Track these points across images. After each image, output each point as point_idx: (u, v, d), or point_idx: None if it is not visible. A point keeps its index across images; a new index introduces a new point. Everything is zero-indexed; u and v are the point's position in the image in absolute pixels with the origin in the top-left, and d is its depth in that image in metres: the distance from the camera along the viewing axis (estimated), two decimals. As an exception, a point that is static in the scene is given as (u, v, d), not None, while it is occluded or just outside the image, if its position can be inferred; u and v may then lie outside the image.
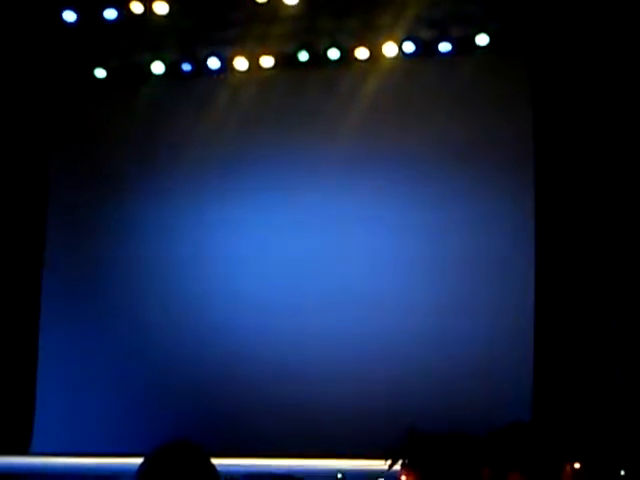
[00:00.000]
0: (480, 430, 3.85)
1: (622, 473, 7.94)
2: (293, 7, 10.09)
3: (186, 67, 10.82)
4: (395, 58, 10.29)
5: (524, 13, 9.79)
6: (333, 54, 10.40)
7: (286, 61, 10.59)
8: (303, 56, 10.47)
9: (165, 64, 10.81)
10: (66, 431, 10.56)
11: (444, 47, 10.18)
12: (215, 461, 3.10)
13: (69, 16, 10.46)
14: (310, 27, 10.31)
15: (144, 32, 10.57)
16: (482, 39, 10.03)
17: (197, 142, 10.76)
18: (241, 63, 10.64)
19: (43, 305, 11.01)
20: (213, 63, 10.67)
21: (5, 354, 10.80)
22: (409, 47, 10.20)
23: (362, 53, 10.36)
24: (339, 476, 6.83)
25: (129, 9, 10.30)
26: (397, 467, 4.47)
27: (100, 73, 10.98)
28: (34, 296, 11.01)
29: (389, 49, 10.26)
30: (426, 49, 10.23)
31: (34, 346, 10.91)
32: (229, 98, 10.76)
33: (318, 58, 10.47)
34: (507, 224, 9.83)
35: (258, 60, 10.60)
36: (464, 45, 10.14)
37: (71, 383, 10.73)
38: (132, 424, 10.35)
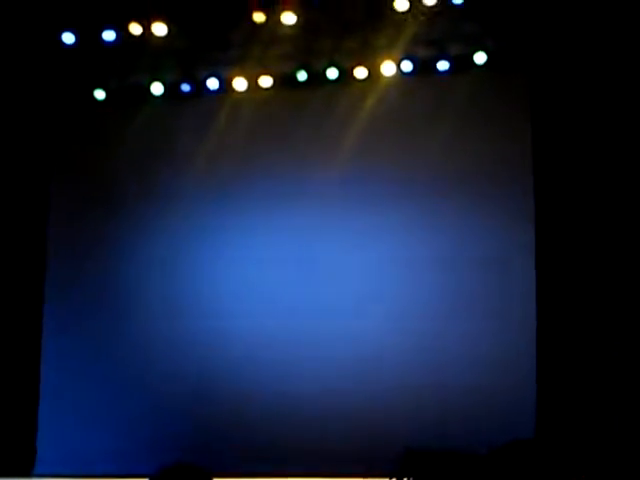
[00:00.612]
0: (481, 446, 3.83)
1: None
2: (291, 27, 10.14)
3: (185, 88, 10.85)
4: (394, 77, 10.34)
5: (522, 31, 9.83)
6: (332, 74, 10.45)
7: (285, 81, 10.63)
8: (302, 76, 10.52)
9: (164, 85, 10.85)
10: (69, 453, 10.54)
11: (442, 65, 10.23)
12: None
13: (68, 38, 10.51)
14: (309, 47, 10.36)
15: (143, 53, 10.61)
16: (480, 57, 10.08)
17: (197, 162, 10.78)
18: (240, 83, 10.68)
19: (45, 326, 11.02)
20: (212, 83, 10.71)
21: (7, 376, 10.79)
22: (407, 66, 10.26)
23: (361, 72, 10.40)
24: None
25: (128, 30, 10.34)
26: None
27: (100, 94, 11.01)
28: (36, 318, 11.00)
29: (387, 68, 10.30)
30: (424, 68, 10.28)
31: (36, 368, 10.90)
32: (228, 118, 10.79)
33: (317, 78, 10.51)
34: (507, 241, 9.83)
35: (257, 80, 10.64)
36: (462, 63, 10.18)
37: (73, 405, 10.71)
38: (136, 445, 10.34)
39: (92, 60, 10.77)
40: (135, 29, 10.35)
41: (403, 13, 9.93)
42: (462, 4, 9.84)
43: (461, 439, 8.70)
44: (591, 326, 9.34)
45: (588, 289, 9.38)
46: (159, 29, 10.32)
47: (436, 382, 9.67)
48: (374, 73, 10.36)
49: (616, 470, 8.48)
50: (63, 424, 10.68)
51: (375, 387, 9.78)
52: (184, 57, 10.67)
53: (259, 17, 10.11)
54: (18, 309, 10.98)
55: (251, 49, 10.43)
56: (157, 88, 10.82)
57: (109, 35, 10.45)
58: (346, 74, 10.42)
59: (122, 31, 10.38)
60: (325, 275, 10.26)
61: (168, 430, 10.28)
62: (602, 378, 9.25)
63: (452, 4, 9.84)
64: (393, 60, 10.24)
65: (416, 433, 9.07)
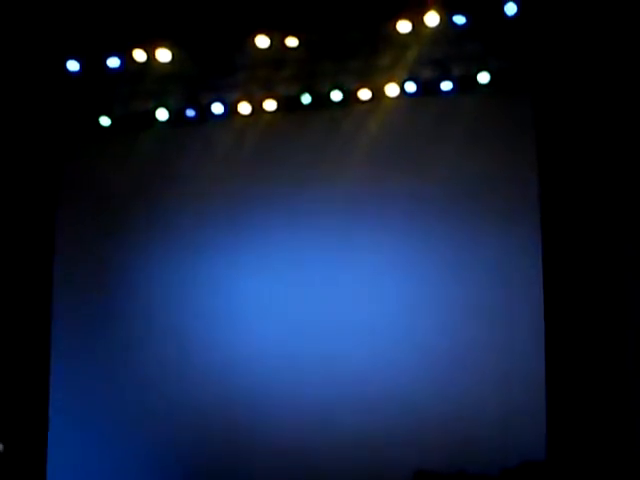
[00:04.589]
0: (491, 468, 3.82)
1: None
2: (295, 51, 10.19)
3: (190, 113, 10.91)
4: (397, 98, 10.37)
5: (525, 50, 9.86)
6: (336, 96, 10.49)
7: (289, 104, 10.68)
8: (306, 99, 10.56)
9: (169, 110, 10.90)
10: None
11: (446, 86, 10.27)
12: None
13: (73, 65, 10.58)
14: (312, 70, 10.41)
15: (148, 79, 10.68)
16: (484, 77, 10.12)
17: (202, 187, 10.84)
18: (245, 107, 10.73)
19: (53, 352, 11.05)
20: (217, 108, 10.77)
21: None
22: (411, 87, 10.29)
23: (364, 94, 10.44)
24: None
25: (132, 57, 10.41)
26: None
27: (105, 121, 11.08)
28: (44, 344, 11.01)
29: (391, 90, 10.35)
30: (428, 88, 10.32)
31: (45, 395, 10.91)
32: (233, 142, 10.84)
33: (321, 100, 10.56)
34: (514, 262, 9.82)
35: (261, 104, 10.69)
36: (466, 83, 10.22)
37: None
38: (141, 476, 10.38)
39: (97, 87, 10.84)
40: (139, 55, 10.41)
41: (406, 34, 9.96)
42: (465, 24, 9.87)
43: (469, 458, 8.67)
44: (602, 334, 9.30)
45: (595, 297, 9.37)
46: (163, 55, 10.38)
47: (445, 410, 9.64)
48: (378, 94, 10.40)
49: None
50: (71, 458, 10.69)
51: (382, 408, 9.78)
52: (189, 82, 10.73)
53: (262, 41, 10.16)
54: (26, 336, 10.97)
55: (255, 73, 10.49)
56: (162, 114, 10.88)
57: (113, 62, 10.51)
58: (350, 96, 10.46)
59: (126, 58, 10.44)
60: (330, 295, 10.29)
61: (176, 463, 10.30)
62: (615, 390, 9.21)
63: (455, 24, 9.87)
64: (396, 82, 10.29)
65: (423, 454, 9.05)
